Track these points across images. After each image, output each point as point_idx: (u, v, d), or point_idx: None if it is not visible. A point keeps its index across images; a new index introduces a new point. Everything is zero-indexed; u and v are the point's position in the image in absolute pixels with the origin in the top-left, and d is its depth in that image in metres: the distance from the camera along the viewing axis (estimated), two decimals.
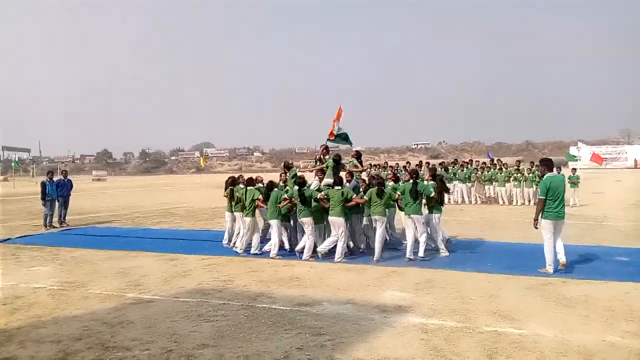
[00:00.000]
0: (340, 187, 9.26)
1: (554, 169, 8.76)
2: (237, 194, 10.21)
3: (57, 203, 15.48)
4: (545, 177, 8.16)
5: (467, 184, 20.22)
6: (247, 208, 9.86)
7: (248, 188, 10.01)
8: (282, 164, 11.90)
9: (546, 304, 6.29)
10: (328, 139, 11.21)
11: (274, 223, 9.69)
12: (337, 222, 9.14)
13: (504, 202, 19.42)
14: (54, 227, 15.08)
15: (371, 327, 5.55)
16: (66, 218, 15.87)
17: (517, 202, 19.16)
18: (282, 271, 8.50)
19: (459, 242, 10.73)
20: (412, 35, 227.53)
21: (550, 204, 7.94)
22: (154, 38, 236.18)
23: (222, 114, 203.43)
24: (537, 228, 8.16)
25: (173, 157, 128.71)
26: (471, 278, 7.71)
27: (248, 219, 9.86)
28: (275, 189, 9.91)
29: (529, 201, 18.73)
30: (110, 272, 8.73)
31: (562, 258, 7.91)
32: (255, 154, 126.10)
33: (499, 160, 22.00)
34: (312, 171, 11.05)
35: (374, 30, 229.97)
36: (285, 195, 9.71)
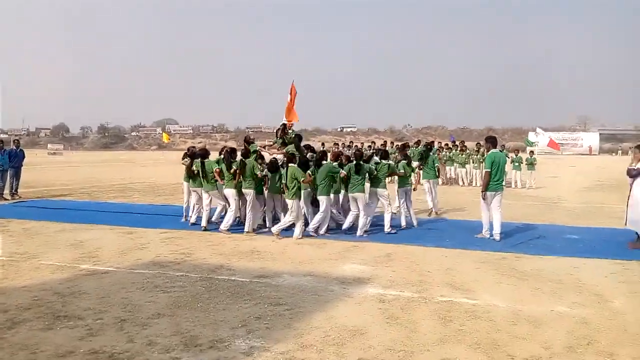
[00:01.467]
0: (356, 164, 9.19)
1: (498, 147, 9.36)
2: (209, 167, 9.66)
3: (8, 174, 14.81)
4: (490, 152, 8.83)
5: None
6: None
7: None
8: (244, 138, 11.62)
9: (500, 277, 6.48)
10: (287, 121, 10.85)
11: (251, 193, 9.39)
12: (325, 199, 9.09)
13: (463, 183, 19.86)
14: (4, 198, 14.45)
15: (330, 298, 5.57)
16: (18, 190, 15.22)
17: (476, 183, 19.61)
18: (243, 245, 8.43)
19: (419, 220, 10.89)
20: (383, 20, 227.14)
21: (492, 176, 8.65)
22: (119, 11, 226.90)
23: (186, 91, 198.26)
24: (484, 199, 8.71)
25: (134, 133, 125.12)
26: (429, 253, 7.86)
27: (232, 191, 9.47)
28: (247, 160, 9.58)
29: None
30: (64, 244, 8.44)
31: (496, 231, 8.65)
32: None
33: (461, 142, 22.40)
34: (267, 151, 10.74)
35: (348, 18, 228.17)
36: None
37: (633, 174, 8.24)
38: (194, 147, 10.73)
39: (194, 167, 9.89)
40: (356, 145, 19.08)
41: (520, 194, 17.09)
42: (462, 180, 19.98)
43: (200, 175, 9.77)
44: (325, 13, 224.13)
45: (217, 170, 9.46)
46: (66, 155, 62.78)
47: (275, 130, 10.99)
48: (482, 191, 8.76)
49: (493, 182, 8.68)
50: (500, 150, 9.75)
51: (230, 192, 9.43)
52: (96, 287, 6.00)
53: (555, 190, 18.36)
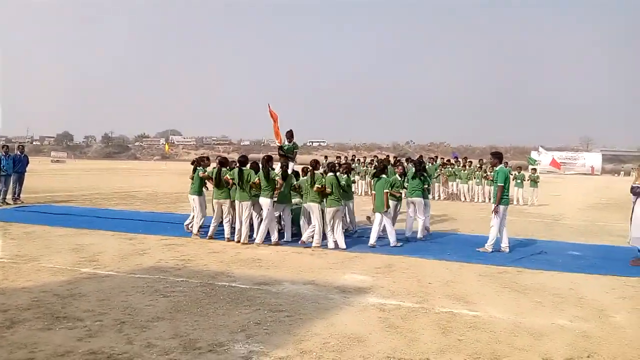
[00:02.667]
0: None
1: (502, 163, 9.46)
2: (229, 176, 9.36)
3: (11, 179, 14.86)
4: (499, 167, 8.80)
5: (432, 180, 20.52)
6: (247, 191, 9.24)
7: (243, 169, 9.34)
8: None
9: (501, 290, 6.46)
10: (278, 146, 10.94)
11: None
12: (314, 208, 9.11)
13: (465, 199, 19.85)
14: (7, 203, 14.49)
15: (330, 306, 5.56)
16: (21, 195, 15.26)
17: (478, 199, 19.62)
18: (245, 253, 8.42)
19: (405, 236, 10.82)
20: (386, 35, 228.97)
21: (505, 191, 8.78)
22: (125, 22, 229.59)
23: (191, 103, 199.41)
24: (497, 213, 8.77)
25: (137, 143, 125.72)
26: (430, 265, 7.84)
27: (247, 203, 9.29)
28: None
29: (489, 199, 19.19)
30: (65, 248, 8.45)
31: (505, 243, 8.83)
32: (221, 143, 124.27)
33: (464, 158, 22.44)
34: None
35: (348, 29, 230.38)
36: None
37: (637, 192, 8.24)
38: (204, 157, 10.69)
39: (227, 176, 9.37)
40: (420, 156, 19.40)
41: (522, 210, 17.07)
42: (464, 196, 19.98)
43: (237, 185, 9.22)
44: (327, 24, 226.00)
45: (257, 180, 9.17)
46: (69, 163, 62.97)
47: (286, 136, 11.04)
48: (496, 205, 8.78)
49: (505, 197, 8.85)
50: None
51: (265, 202, 9.11)
52: (96, 290, 5.99)
53: (557, 208, 18.34)
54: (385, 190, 9.19)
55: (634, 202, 8.31)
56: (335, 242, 8.97)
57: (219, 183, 9.44)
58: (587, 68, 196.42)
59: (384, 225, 9.31)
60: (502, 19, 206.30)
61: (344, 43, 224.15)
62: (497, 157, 9.24)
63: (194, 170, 10.06)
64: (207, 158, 10.47)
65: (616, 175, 66.23)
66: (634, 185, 8.41)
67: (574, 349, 4.47)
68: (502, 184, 8.72)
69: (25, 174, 15.68)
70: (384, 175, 9.46)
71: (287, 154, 10.48)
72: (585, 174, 63.97)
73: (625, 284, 6.94)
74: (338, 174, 9.43)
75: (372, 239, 9.18)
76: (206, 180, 9.90)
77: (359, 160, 23.73)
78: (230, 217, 9.64)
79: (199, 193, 9.89)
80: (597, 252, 9.26)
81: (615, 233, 11.68)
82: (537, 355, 4.29)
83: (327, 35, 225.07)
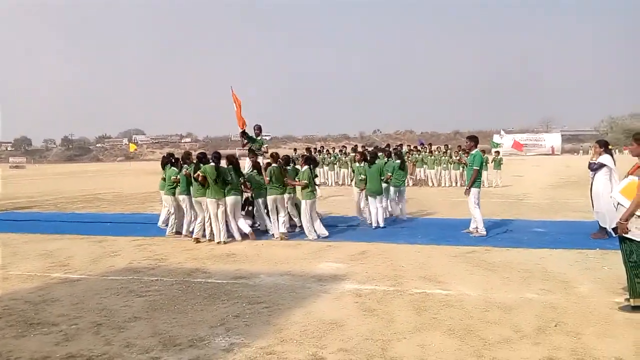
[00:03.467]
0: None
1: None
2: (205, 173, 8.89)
3: None
4: (475, 151, 8.90)
5: None
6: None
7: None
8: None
9: (470, 269, 6.67)
10: (241, 131, 10.87)
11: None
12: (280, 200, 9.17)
13: (433, 184, 20.25)
14: None
15: (308, 294, 5.64)
16: None
17: (445, 184, 20.04)
18: (218, 249, 8.41)
19: (392, 219, 11.08)
20: (351, 27, 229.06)
21: (479, 175, 8.96)
22: (82, 20, 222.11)
23: (152, 101, 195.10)
24: (468, 195, 8.90)
25: (99, 145, 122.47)
26: (402, 249, 8.01)
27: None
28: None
29: (456, 183, 19.70)
30: (32, 254, 8.24)
31: (477, 226, 9.01)
32: (184, 139, 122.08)
33: (429, 144, 22.84)
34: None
35: (316, 23, 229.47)
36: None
37: (594, 168, 8.60)
38: (171, 154, 10.49)
39: (200, 173, 8.86)
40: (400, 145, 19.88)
41: (487, 192, 17.49)
42: (432, 181, 20.38)
43: (213, 182, 8.84)
44: (295, 17, 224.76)
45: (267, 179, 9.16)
46: (29, 169, 60.86)
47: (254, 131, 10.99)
48: (468, 187, 8.90)
49: (479, 180, 9.09)
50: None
51: (285, 198, 9.22)
52: (69, 294, 5.89)
53: (520, 188, 18.90)
54: (389, 174, 10.54)
55: (592, 178, 8.68)
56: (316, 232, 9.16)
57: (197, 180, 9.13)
58: (545, 50, 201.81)
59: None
60: (462, 6, 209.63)
61: (310, 37, 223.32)
62: (474, 140, 9.27)
63: (169, 167, 9.81)
64: (288, 158, 10.02)
65: (575, 154, 68.58)
66: (590, 161, 8.78)
67: (542, 319, 4.69)
68: (478, 168, 8.86)
69: None
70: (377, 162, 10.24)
71: (257, 149, 10.46)
72: (546, 154, 65.97)
73: (587, 256, 7.26)
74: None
75: (381, 221, 9.95)
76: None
77: (327, 150, 23.85)
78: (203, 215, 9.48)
79: (188, 192, 9.47)
80: (560, 228, 9.63)
81: (576, 209, 12.16)
82: (508, 328, 4.49)
83: (291, 28, 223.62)
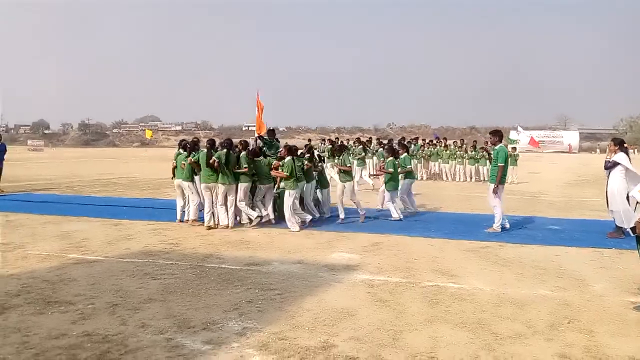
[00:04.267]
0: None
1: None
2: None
3: None
4: (499, 146, 8.76)
5: (414, 160, 20.71)
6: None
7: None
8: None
9: (484, 263, 6.65)
10: (258, 136, 10.96)
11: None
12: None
13: (447, 178, 20.13)
14: None
15: (320, 283, 5.67)
16: (0, 184, 14.98)
17: (459, 179, 19.91)
18: (232, 235, 8.48)
19: (406, 212, 11.05)
20: (366, 21, 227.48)
21: (505, 171, 8.83)
22: (102, 8, 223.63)
23: (169, 89, 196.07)
24: (495, 193, 8.69)
25: (115, 130, 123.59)
26: (416, 242, 8.00)
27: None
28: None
29: (471, 178, 19.58)
30: (50, 235, 8.40)
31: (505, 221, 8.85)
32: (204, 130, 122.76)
33: (444, 138, 22.67)
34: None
35: (332, 17, 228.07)
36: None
37: (608, 166, 8.48)
38: (185, 140, 10.55)
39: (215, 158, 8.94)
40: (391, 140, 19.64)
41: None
42: (446, 175, 20.26)
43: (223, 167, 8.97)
44: (309, 12, 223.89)
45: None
46: (47, 152, 61.77)
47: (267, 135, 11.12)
48: (496, 184, 8.62)
49: (505, 176, 8.92)
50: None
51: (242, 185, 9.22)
52: (86, 274, 6.01)
53: (536, 185, 18.71)
54: (409, 166, 10.74)
55: (607, 177, 8.55)
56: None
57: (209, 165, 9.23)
58: (563, 46, 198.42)
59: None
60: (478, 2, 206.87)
61: (328, 31, 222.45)
62: (498, 135, 8.99)
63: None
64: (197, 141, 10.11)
65: (593, 152, 67.53)
66: (606, 160, 8.65)
67: (556, 316, 4.66)
68: (503, 164, 8.62)
69: (4, 162, 15.36)
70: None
71: (273, 154, 10.34)
72: (563, 152, 65.12)
73: (603, 255, 7.19)
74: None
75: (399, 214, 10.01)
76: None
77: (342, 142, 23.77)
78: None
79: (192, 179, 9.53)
80: (576, 226, 9.54)
81: (592, 207, 12.02)
82: (520, 323, 4.47)
83: (309, 23, 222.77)
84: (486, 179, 19.34)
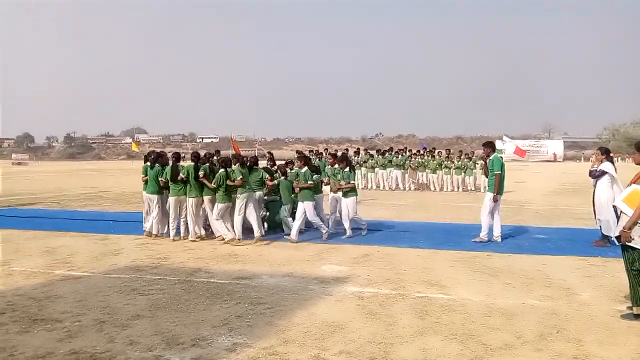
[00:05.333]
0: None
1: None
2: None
3: None
4: (493, 156, 8.90)
5: (402, 170, 20.85)
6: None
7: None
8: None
9: (472, 274, 6.69)
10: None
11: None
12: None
13: (435, 188, 20.26)
14: None
15: (310, 296, 5.66)
16: None
17: (447, 189, 20.05)
18: (221, 249, 8.43)
19: (394, 223, 11.11)
20: (354, 30, 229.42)
21: (503, 180, 8.81)
22: (85, 18, 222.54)
23: (155, 100, 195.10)
24: (496, 202, 8.74)
25: (101, 142, 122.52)
26: (404, 253, 8.03)
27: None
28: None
29: (458, 187, 19.74)
30: (35, 251, 8.28)
31: (497, 233, 8.84)
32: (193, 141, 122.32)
33: (433, 148, 22.85)
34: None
35: (319, 25, 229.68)
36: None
37: (595, 175, 8.61)
38: (161, 152, 10.62)
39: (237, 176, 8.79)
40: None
41: None
42: (434, 185, 20.39)
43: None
44: (297, 20, 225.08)
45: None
46: (32, 165, 60.97)
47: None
48: (495, 193, 8.66)
49: (503, 185, 8.82)
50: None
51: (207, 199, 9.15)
52: (72, 291, 5.92)
53: (522, 194, 18.88)
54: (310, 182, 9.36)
55: (594, 186, 8.68)
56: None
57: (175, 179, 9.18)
58: (548, 56, 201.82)
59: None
60: (465, 10, 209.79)
61: (314, 41, 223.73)
62: (491, 147, 9.17)
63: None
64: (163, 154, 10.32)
65: (577, 161, 68.47)
66: (591, 169, 8.78)
67: (544, 326, 4.70)
68: (499, 172, 8.70)
69: None
70: None
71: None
72: (548, 160, 65.92)
73: (589, 263, 7.27)
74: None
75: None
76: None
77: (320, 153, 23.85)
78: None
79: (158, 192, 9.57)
80: (562, 235, 9.65)
81: (578, 216, 12.17)
82: (509, 333, 4.50)
83: (294, 29, 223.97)
84: (472, 188, 19.57)
